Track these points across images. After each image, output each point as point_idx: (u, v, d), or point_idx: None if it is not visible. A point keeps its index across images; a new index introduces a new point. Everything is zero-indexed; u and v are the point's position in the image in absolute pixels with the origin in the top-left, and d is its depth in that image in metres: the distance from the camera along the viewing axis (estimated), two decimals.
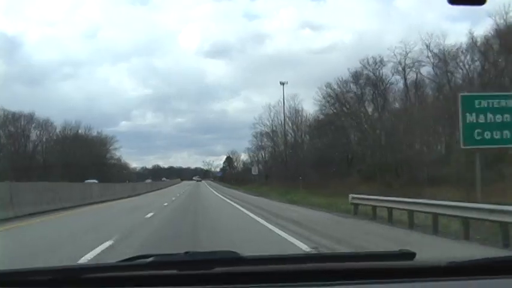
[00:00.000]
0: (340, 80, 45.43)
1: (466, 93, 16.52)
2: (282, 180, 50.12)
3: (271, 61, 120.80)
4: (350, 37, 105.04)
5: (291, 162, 55.91)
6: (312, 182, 39.70)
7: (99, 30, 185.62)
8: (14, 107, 64.09)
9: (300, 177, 40.32)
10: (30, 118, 64.13)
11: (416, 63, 40.63)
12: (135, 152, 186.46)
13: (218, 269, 1.73)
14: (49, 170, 56.94)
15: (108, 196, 33.79)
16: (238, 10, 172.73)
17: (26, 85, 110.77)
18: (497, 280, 1.70)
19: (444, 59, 37.98)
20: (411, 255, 1.88)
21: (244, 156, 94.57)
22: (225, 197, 38.32)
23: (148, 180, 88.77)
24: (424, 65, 40.32)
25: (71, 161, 59.49)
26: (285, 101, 58.49)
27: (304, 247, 8.92)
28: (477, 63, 36.52)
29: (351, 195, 17.00)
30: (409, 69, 41.48)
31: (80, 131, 72.58)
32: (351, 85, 45.03)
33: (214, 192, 52.87)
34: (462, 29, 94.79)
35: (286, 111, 59.17)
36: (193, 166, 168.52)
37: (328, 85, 46.67)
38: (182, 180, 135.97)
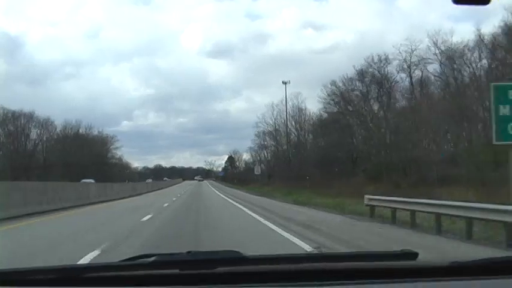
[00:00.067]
0: (345, 77, 44.99)
1: (498, 83, 14.72)
2: (284, 180, 49.44)
3: (274, 61, 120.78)
4: (352, 37, 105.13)
5: (294, 161, 55.30)
6: (316, 181, 39.04)
7: (101, 30, 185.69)
8: (16, 106, 63.65)
9: (308, 177, 39.68)
10: (30, 117, 63.74)
11: (422, 61, 40.14)
12: (137, 152, 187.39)
13: (220, 269, 1.72)
14: (49, 170, 56.70)
15: (107, 196, 33.05)
16: (241, 10, 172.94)
17: (28, 85, 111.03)
18: (500, 280, 1.69)
19: (452, 56, 37.29)
20: (413, 255, 1.88)
21: (246, 156, 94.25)
22: (228, 197, 37.63)
23: (149, 180, 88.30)
24: (431, 62, 39.77)
25: (72, 160, 59.02)
26: (288, 99, 58.08)
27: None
28: (484, 61, 35.88)
29: (366, 196, 15.59)
30: (415, 67, 41.05)
31: (80, 131, 72.28)
32: (357, 83, 44.53)
33: (216, 191, 52.27)
34: (463, 29, 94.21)
35: (289, 109, 58.75)
36: (195, 166, 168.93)
37: (333, 83, 46.35)
38: (184, 180, 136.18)
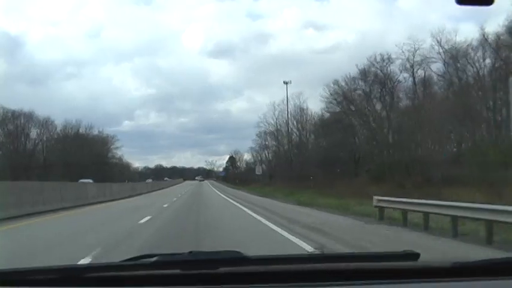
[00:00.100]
0: (348, 77, 44.69)
1: None
2: (286, 180, 49.11)
3: (275, 61, 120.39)
4: (353, 37, 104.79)
5: (296, 161, 54.97)
6: (318, 182, 38.70)
7: (102, 29, 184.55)
8: (17, 106, 63.43)
9: (311, 177, 39.37)
10: (30, 116, 63.50)
11: (425, 60, 39.87)
12: (137, 152, 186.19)
13: (222, 269, 1.72)
14: (49, 169, 56.52)
15: (107, 196, 32.74)
16: (242, 10, 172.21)
17: (28, 84, 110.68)
18: (501, 281, 1.69)
19: (456, 55, 36.99)
20: (415, 256, 1.87)
21: (247, 156, 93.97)
22: (228, 197, 37.34)
23: (149, 180, 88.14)
24: (435, 61, 39.50)
25: (72, 160, 58.84)
26: (290, 99, 57.83)
27: None
28: (488, 60, 35.60)
29: (375, 197, 14.91)
30: (418, 67, 40.78)
31: (80, 130, 72.05)
32: (359, 82, 44.22)
33: (217, 192, 52.00)
34: (465, 29, 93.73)
35: (290, 109, 58.51)
36: (196, 166, 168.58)
37: (336, 82, 46.07)
38: (185, 180, 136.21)
